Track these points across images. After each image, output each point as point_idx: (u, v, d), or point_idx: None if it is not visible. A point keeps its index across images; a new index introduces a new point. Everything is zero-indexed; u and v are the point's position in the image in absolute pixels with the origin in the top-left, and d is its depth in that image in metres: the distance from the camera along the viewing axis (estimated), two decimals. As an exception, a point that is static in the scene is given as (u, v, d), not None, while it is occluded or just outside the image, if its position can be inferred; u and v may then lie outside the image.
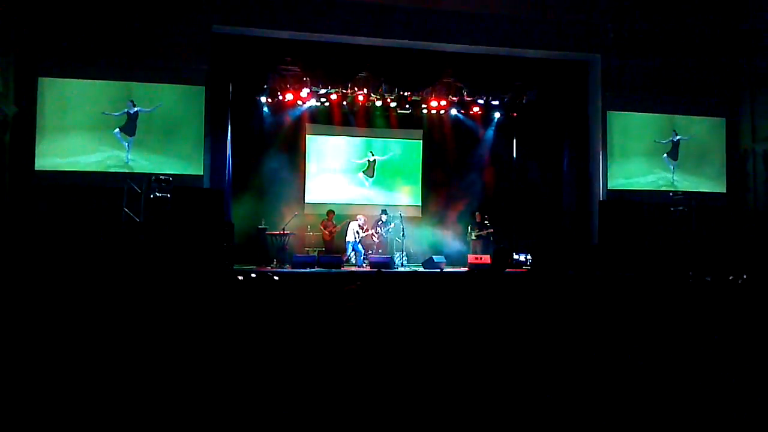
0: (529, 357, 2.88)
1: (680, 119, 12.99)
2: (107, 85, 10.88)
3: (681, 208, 11.99)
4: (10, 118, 10.17)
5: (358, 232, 12.46)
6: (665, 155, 12.89)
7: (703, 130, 13.08)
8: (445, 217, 13.83)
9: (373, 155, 13.98)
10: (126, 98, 10.95)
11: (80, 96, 10.76)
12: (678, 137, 12.91)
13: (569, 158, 13.20)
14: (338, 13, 11.43)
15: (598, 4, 12.33)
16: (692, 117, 13.00)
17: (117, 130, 10.92)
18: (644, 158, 12.84)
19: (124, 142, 10.95)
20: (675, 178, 12.90)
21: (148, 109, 11.05)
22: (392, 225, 12.73)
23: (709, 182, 13.03)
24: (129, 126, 10.99)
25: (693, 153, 12.98)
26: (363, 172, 13.97)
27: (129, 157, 10.96)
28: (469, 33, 12.05)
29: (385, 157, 14.00)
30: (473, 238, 12.89)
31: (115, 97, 10.91)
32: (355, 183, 13.93)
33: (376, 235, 12.78)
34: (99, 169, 10.74)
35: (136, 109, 11.01)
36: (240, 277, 7.00)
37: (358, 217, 12.72)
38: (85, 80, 10.79)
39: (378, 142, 14.05)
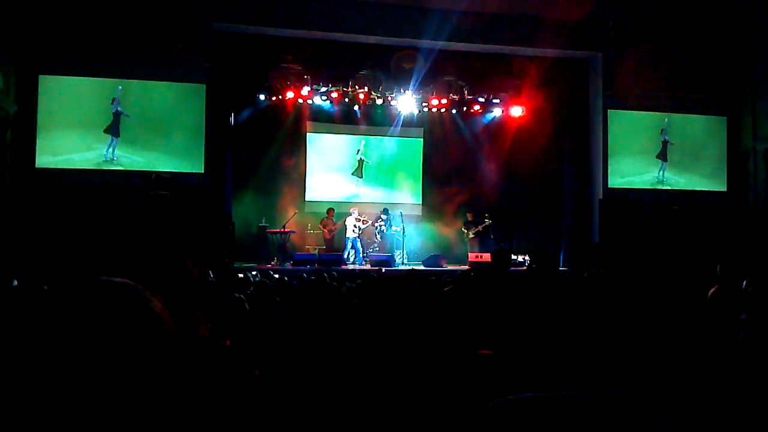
0: (533, 356, 2.88)
1: (681, 118, 12.91)
2: (108, 83, 10.80)
3: (680, 207, 11.98)
4: (10, 115, 10.16)
5: (356, 226, 12.40)
6: (657, 155, 12.81)
7: (702, 129, 13.03)
8: (446, 215, 13.83)
9: (359, 153, 13.89)
10: (127, 95, 10.83)
11: (81, 94, 10.70)
12: (665, 138, 12.83)
13: (569, 156, 13.18)
14: (339, 11, 11.42)
15: (599, 1, 12.29)
16: (693, 115, 12.95)
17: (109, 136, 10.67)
18: (644, 157, 12.79)
19: (109, 144, 10.66)
20: (665, 176, 12.79)
21: (127, 114, 10.74)
22: (396, 228, 12.66)
23: (708, 181, 12.96)
24: (113, 126, 10.68)
25: (691, 151, 12.89)
26: (353, 173, 13.87)
27: (115, 154, 10.68)
28: (471, 31, 12.03)
29: (371, 161, 13.93)
30: (471, 236, 12.89)
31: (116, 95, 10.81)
32: (355, 181, 13.92)
33: (377, 234, 12.76)
34: (100, 167, 10.68)
35: (119, 108, 10.72)
36: (240, 275, 7.02)
37: (351, 211, 12.63)
38: (87, 78, 10.72)
39: (378, 140, 14.04)
